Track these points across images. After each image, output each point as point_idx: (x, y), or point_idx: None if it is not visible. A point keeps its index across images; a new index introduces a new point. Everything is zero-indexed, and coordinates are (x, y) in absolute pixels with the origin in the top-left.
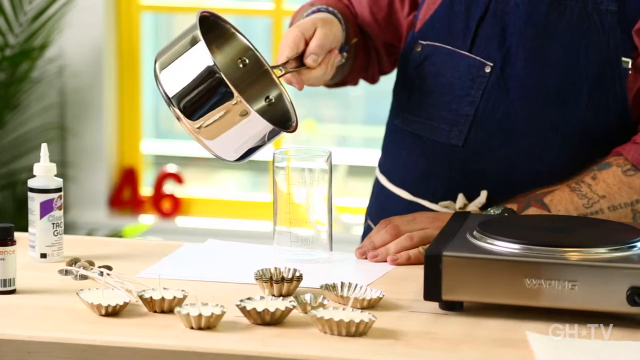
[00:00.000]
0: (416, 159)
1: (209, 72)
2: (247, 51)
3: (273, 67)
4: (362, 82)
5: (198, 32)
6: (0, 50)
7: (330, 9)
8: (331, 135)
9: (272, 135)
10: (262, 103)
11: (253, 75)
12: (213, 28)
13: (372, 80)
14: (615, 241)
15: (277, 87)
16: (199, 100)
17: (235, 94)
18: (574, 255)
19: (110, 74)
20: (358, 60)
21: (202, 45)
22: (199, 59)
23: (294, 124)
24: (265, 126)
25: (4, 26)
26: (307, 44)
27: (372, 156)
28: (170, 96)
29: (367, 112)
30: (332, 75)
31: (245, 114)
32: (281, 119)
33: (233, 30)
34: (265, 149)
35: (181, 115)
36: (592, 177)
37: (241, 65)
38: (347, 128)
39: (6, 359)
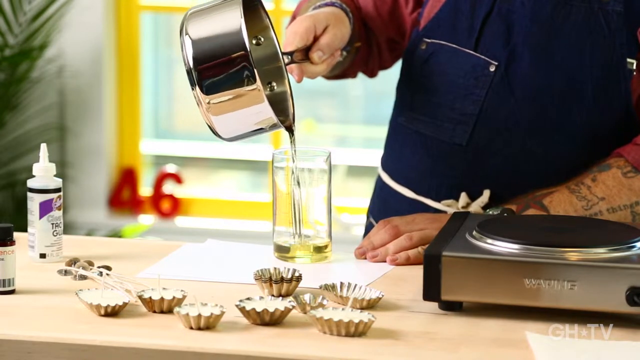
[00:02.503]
0: (419, 157)
1: (240, 53)
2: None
3: (283, 54)
4: (362, 83)
5: (240, 10)
6: (0, 51)
7: (344, 6)
8: (331, 135)
9: (272, 127)
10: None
11: (262, 57)
12: (246, 7)
13: (371, 74)
14: (615, 241)
15: (282, 77)
16: (220, 75)
17: (258, 81)
18: (573, 255)
19: (110, 74)
20: (359, 55)
21: (242, 24)
22: (234, 36)
23: (291, 120)
24: (271, 118)
25: (3, 26)
26: (315, 37)
27: (372, 156)
28: (192, 65)
29: (366, 112)
30: (332, 69)
31: (258, 101)
32: (278, 111)
33: (265, 17)
34: (262, 136)
35: (197, 87)
36: (591, 178)
37: (254, 42)
38: (347, 128)
39: (6, 359)
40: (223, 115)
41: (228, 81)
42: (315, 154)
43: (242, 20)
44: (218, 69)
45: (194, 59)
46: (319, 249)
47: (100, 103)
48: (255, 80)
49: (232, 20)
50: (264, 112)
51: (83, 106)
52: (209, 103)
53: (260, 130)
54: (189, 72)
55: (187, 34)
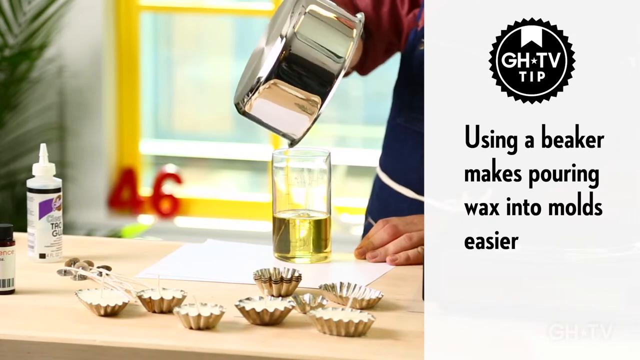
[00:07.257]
0: (419, 157)
1: (333, 73)
2: None
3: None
4: (362, 83)
5: (357, 36)
6: (0, 51)
7: (368, 27)
8: (331, 136)
9: (284, 135)
10: None
11: None
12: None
13: (365, 73)
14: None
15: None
16: (304, 74)
17: (327, 99)
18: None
19: (110, 74)
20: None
21: (351, 49)
22: (337, 58)
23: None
24: (295, 134)
25: (3, 26)
26: None
27: (372, 156)
28: (290, 52)
29: (366, 112)
30: None
31: (307, 114)
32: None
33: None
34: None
35: (277, 64)
36: None
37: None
38: (347, 128)
39: (6, 359)
40: (269, 101)
41: (305, 82)
42: (315, 154)
43: (353, 49)
44: (306, 70)
45: (295, 41)
46: (318, 247)
47: (100, 103)
48: (321, 99)
49: (345, 43)
50: (300, 125)
51: (83, 106)
52: (272, 85)
53: (273, 130)
54: (286, 44)
55: (304, 13)
